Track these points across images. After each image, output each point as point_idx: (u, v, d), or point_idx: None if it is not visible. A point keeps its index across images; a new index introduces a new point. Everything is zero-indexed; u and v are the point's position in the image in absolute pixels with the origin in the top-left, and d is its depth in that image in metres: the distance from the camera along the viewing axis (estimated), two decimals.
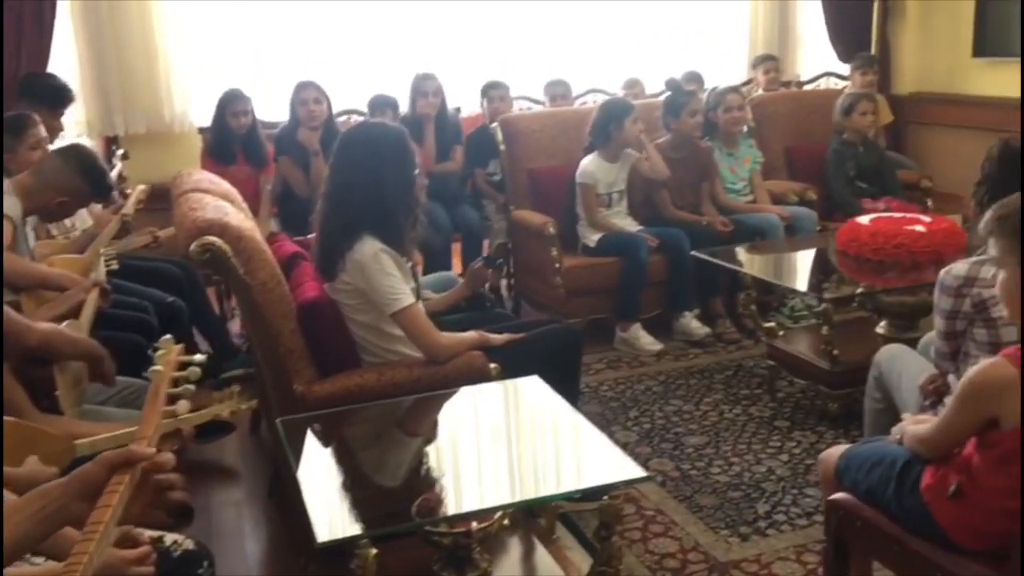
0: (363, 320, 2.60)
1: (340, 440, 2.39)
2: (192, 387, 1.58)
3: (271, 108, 5.28)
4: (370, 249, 2.52)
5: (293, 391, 2.44)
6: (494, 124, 4.80)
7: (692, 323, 4.25)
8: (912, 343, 3.35)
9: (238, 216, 2.62)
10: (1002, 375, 1.56)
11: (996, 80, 5.88)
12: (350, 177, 2.57)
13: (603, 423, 3.48)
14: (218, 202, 2.67)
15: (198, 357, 1.62)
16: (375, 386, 2.47)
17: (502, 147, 4.71)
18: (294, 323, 2.49)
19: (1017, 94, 5.54)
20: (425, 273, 4.67)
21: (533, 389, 2.39)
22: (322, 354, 2.54)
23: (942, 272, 2.25)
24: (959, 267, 2.21)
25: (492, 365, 2.59)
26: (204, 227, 2.36)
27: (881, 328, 3.52)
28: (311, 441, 2.31)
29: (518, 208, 4.63)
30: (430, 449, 2.34)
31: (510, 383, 2.45)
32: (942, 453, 1.75)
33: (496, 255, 4.98)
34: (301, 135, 4.52)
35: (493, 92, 5.22)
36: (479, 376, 2.52)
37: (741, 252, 4.02)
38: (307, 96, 4.55)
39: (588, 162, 4.35)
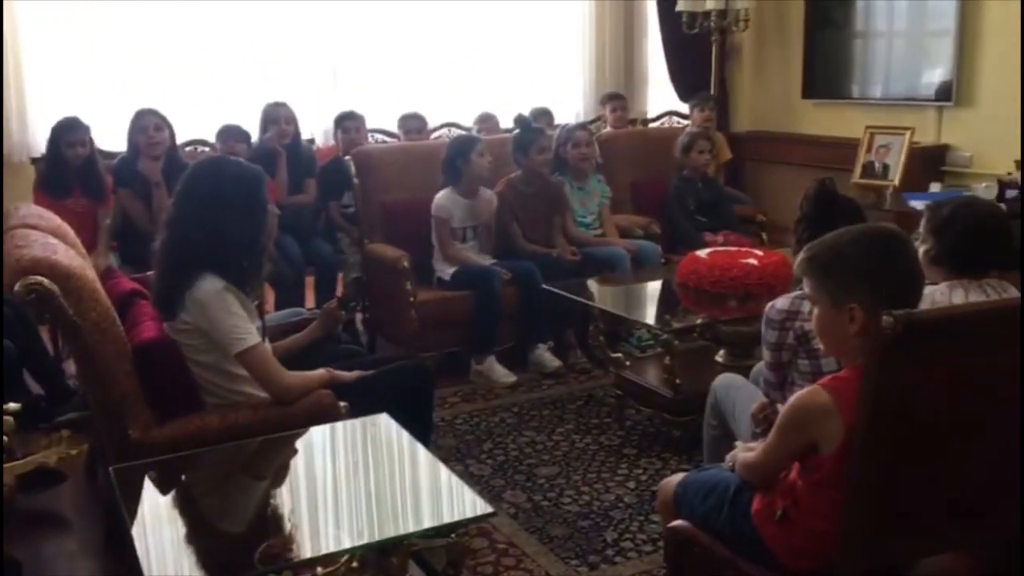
0: (205, 360, 2.52)
1: (180, 487, 2.30)
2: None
3: (112, 137, 5.08)
4: (212, 287, 2.46)
5: (129, 437, 2.34)
6: (348, 156, 4.77)
7: (545, 356, 4.33)
8: (748, 370, 3.54)
9: (68, 253, 2.50)
10: (818, 402, 1.67)
11: (824, 120, 6.30)
12: (194, 213, 2.50)
13: (458, 456, 3.50)
14: (47, 239, 2.54)
15: (11, 406, 1.54)
16: (218, 429, 2.40)
17: (356, 180, 4.68)
18: (129, 365, 2.39)
19: (843, 134, 5.98)
20: (277, 308, 4.60)
21: (383, 427, 2.38)
22: (160, 397, 2.45)
23: (767, 307, 2.38)
24: (781, 302, 2.35)
25: (341, 404, 2.56)
26: (29, 266, 2.24)
27: (720, 357, 3.69)
28: (149, 489, 2.22)
29: (372, 242, 4.61)
30: (277, 493, 2.28)
31: (359, 422, 2.43)
32: (769, 479, 1.86)
33: (350, 290, 4.92)
34: (141, 165, 4.35)
35: (348, 123, 5.19)
36: (328, 415, 2.49)
37: (591, 284, 4.14)
38: (147, 123, 4.39)
39: (442, 196, 4.39)
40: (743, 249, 3.76)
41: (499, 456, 3.50)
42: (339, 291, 5.01)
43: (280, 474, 2.36)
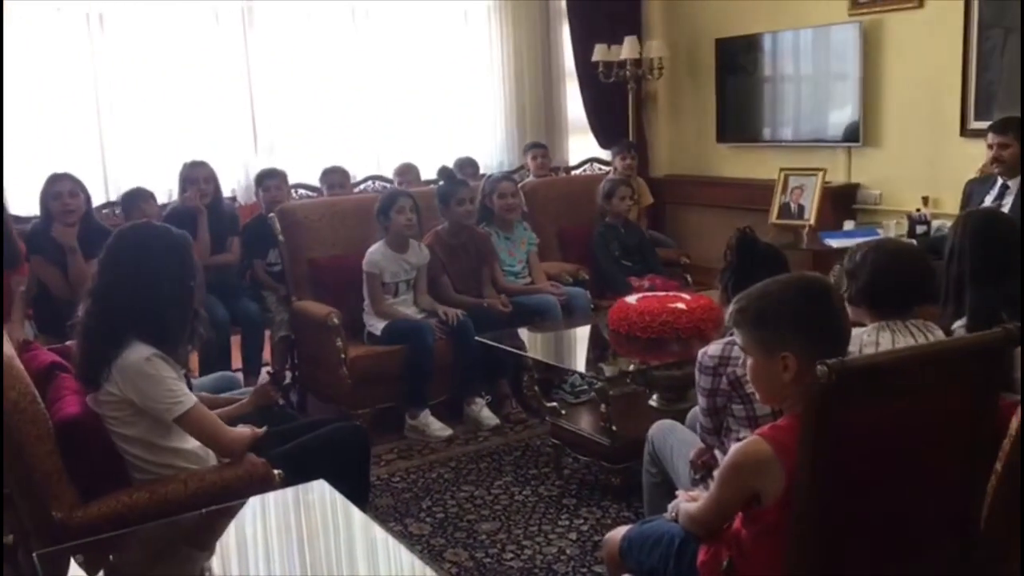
0: (131, 434, 2.44)
1: (109, 569, 2.20)
2: None
3: (22, 201, 4.94)
4: (140, 355, 2.38)
5: (53, 518, 2.24)
6: (272, 214, 4.72)
7: (483, 412, 4.31)
8: (682, 414, 3.57)
9: None
10: (758, 453, 1.69)
11: (738, 163, 6.51)
12: (120, 281, 2.43)
13: (397, 516, 3.44)
14: None
15: None
16: (147, 505, 2.31)
17: (280, 237, 4.62)
18: (51, 444, 2.29)
19: (757, 175, 6.17)
20: (202, 371, 4.48)
21: (319, 494, 2.32)
22: (85, 475, 2.35)
23: (699, 353, 2.42)
24: (714, 348, 2.39)
25: (276, 472, 2.50)
26: None
27: (653, 401, 3.72)
28: (76, 573, 2.11)
29: (300, 299, 4.55)
30: (210, 569, 2.20)
31: (295, 490, 2.37)
32: (712, 530, 1.87)
33: (282, 366, 4.84)
34: (56, 231, 4.21)
35: (269, 181, 5.13)
36: (262, 484, 2.42)
37: (523, 333, 4.15)
38: (61, 189, 4.25)
39: (374, 251, 4.36)
40: (671, 294, 3.82)
41: (438, 513, 3.46)
42: (267, 352, 4.92)
43: (212, 550, 2.28)
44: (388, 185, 5.83)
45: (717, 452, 2.43)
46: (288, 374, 4.88)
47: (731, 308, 1.84)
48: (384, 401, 4.29)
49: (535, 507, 3.47)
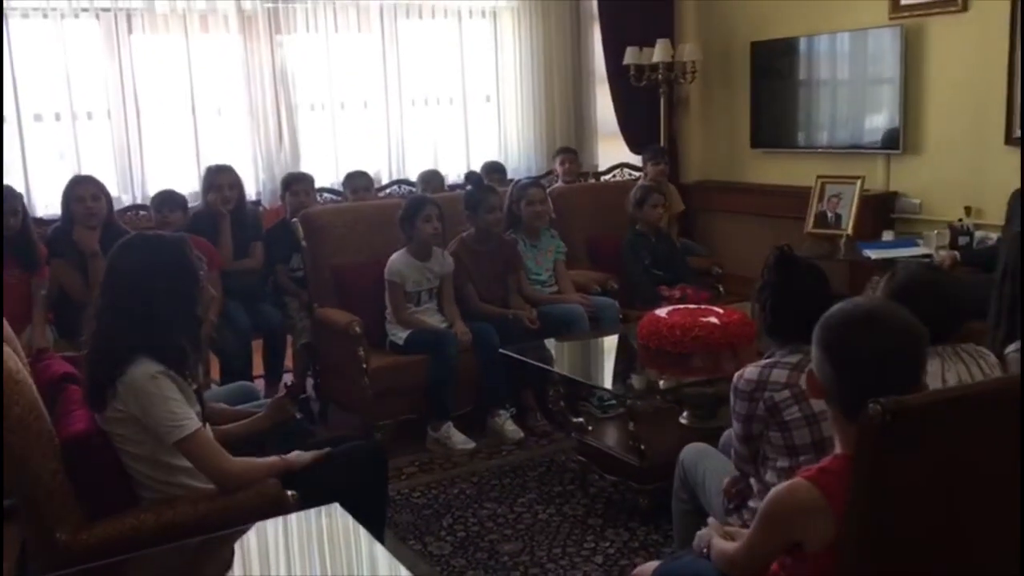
0: (139, 452, 2.35)
1: None
2: None
3: (45, 203, 4.90)
4: (146, 372, 2.29)
5: (57, 540, 2.15)
6: (295, 219, 4.64)
7: (507, 425, 4.19)
8: (713, 432, 3.44)
9: None
10: (802, 500, 1.56)
11: (771, 169, 6.34)
12: (120, 296, 2.34)
13: (416, 534, 3.34)
14: None
15: None
16: (154, 528, 2.22)
17: (303, 243, 4.54)
18: (57, 462, 2.21)
19: (792, 182, 6.00)
20: (223, 380, 4.41)
21: (333, 519, 2.22)
22: (91, 494, 2.26)
23: (735, 377, 2.29)
24: (750, 372, 2.26)
25: (289, 493, 2.40)
26: None
27: (684, 418, 3.59)
28: None
29: (322, 306, 4.46)
30: None
31: (308, 514, 2.26)
32: (750, 574, 1.74)
33: (300, 381, 4.75)
34: (77, 235, 4.15)
35: (297, 186, 5.07)
36: (275, 507, 2.32)
37: (549, 345, 4.03)
38: (83, 192, 4.20)
39: (396, 259, 4.26)
40: (703, 307, 3.68)
41: (459, 532, 3.35)
42: (289, 360, 4.84)
43: None
44: (412, 190, 5.74)
45: (753, 481, 2.30)
46: (310, 382, 4.80)
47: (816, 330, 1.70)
48: (406, 412, 4.18)
49: (559, 527, 3.35)
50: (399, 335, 4.25)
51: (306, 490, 2.43)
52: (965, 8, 5.13)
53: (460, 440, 4.11)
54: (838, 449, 1.62)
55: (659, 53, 6.28)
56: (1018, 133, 4.91)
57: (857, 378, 1.57)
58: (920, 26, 5.36)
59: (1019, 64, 4.86)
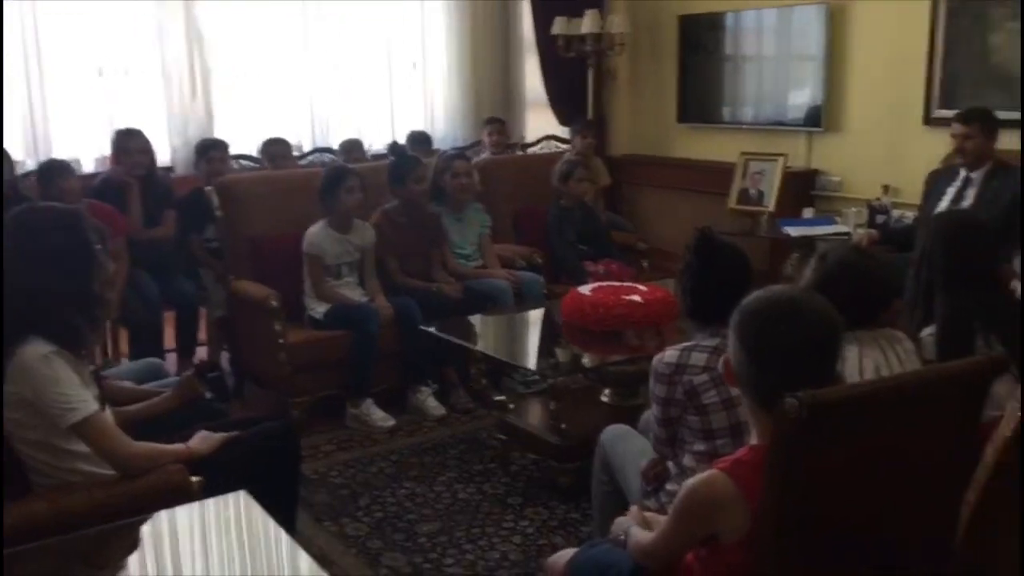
0: (33, 437, 2.21)
1: None
2: None
3: None
4: (37, 352, 2.16)
5: None
6: (210, 187, 4.46)
7: (428, 401, 4.13)
8: (635, 410, 3.44)
9: None
10: (717, 492, 1.53)
11: (697, 144, 6.36)
12: (9, 272, 2.19)
13: (333, 515, 3.26)
14: None
15: None
16: (47, 517, 2.10)
17: (219, 212, 4.38)
18: None
19: (717, 158, 6.03)
20: (132, 353, 4.25)
21: (239, 507, 2.12)
22: None
23: (655, 359, 2.26)
24: (670, 354, 2.23)
25: (194, 479, 2.30)
26: None
27: (605, 396, 3.58)
28: None
29: (238, 278, 4.31)
30: None
31: (213, 503, 2.16)
32: (664, 565, 1.72)
33: (216, 329, 4.62)
34: None
35: (212, 153, 4.88)
36: (178, 494, 2.22)
37: (472, 322, 3.97)
38: None
39: (315, 231, 4.14)
40: (626, 285, 3.66)
41: (377, 512, 3.28)
42: (203, 333, 4.69)
43: (116, 572, 2.07)
44: (334, 158, 5.59)
45: (670, 464, 2.29)
46: (225, 356, 4.65)
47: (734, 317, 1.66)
48: (325, 389, 4.08)
49: (479, 506, 3.31)
50: (318, 309, 4.13)
51: (214, 475, 2.33)
52: None
53: (380, 417, 4.03)
54: (753, 439, 1.60)
55: (588, 24, 6.21)
56: (936, 114, 4.99)
57: (772, 369, 1.54)
58: (844, 5, 5.40)
59: (940, 45, 4.94)
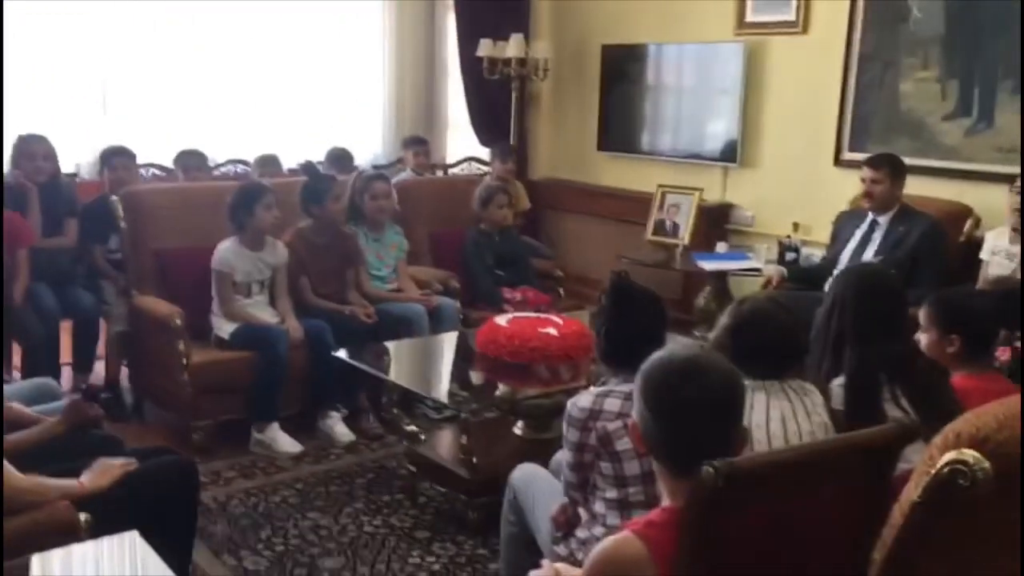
0: None
1: None
2: None
3: None
4: None
5: None
6: (114, 197, 4.29)
7: (338, 427, 4.03)
8: (548, 443, 3.42)
9: None
10: (628, 554, 1.51)
11: (616, 173, 6.41)
12: None
13: (231, 548, 3.14)
14: None
15: None
16: None
17: (123, 223, 4.21)
18: None
19: (636, 187, 6.09)
20: (27, 370, 4.04)
21: (129, 551, 2.01)
22: None
23: (568, 404, 2.24)
24: (584, 400, 2.21)
25: (82, 516, 2.18)
26: None
27: (518, 429, 3.54)
28: None
29: (142, 293, 4.15)
30: None
31: (102, 544, 2.04)
32: None
33: (116, 344, 4.42)
34: None
35: (117, 160, 4.68)
36: (63, 534, 2.09)
37: (386, 349, 3.89)
38: None
39: (225, 248, 4.01)
40: (542, 316, 3.64)
41: (278, 545, 3.17)
42: (101, 348, 4.50)
43: None
44: (248, 170, 5.45)
45: (581, 510, 2.26)
46: (124, 372, 4.46)
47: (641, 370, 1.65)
48: (229, 412, 3.94)
49: (385, 540, 3.23)
50: (225, 329, 4.00)
51: (104, 512, 2.21)
52: (805, 31, 5.31)
53: (286, 443, 3.91)
54: (665, 501, 1.59)
55: (513, 48, 6.22)
56: (846, 155, 5.14)
57: (680, 432, 1.55)
58: (762, 44, 5.52)
59: (852, 88, 5.09)
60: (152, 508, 2.28)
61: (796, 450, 1.73)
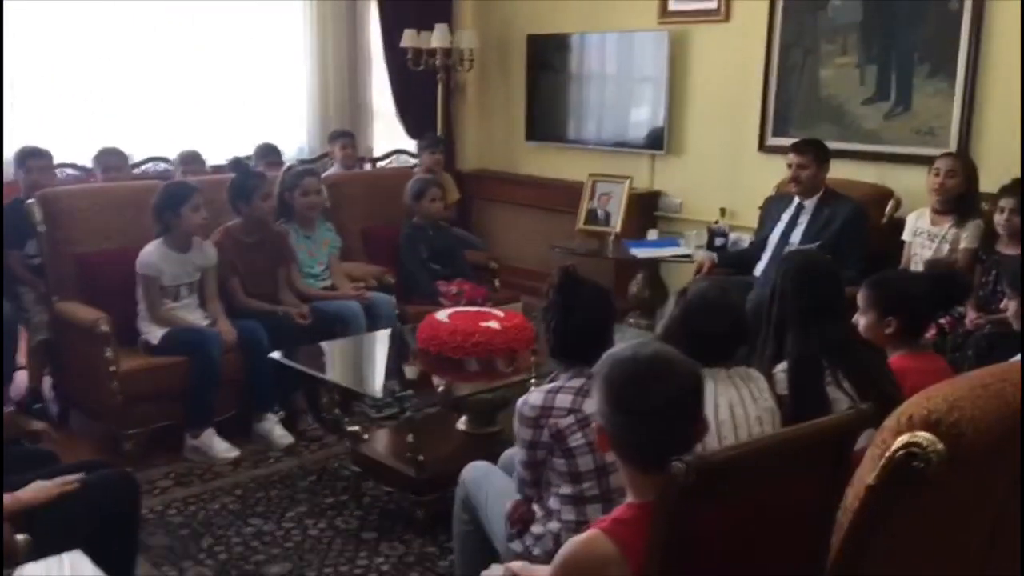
0: None
1: None
2: None
3: None
4: None
5: None
6: (31, 200, 4.11)
7: (275, 430, 3.94)
8: (493, 437, 3.42)
9: None
10: (597, 552, 1.52)
11: (545, 162, 6.43)
12: None
13: (172, 559, 3.05)
14: None
15: None
16: None
17: (41, 227, 4.03)
18: None
19: (565, 176, 6.12)
20: None
21: (72, 570, 1.94)
22: None
23: (519, 402, 2.23)
24: (535, 397, 2.21)
25: (20, 537, 2.08)
26: None
27: (462, 424, 3.52)
28: None
29: (63, 299, 3.99)
30: None
31: (43, 565, 1.96)
32: None
33: (38, 354, 4.25)
34: None
35: (33, 161, 4.48)
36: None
37: (322, 348, 3.82)
38: None
39: (150, 250, 3.88)
40: (483, 311, 3.63)
41: (221, 554, 3.09)
42: (22, 355, 4.32)
43: None
44: (169, 168, 5.29)
45: (536, 507, 2.26)
46: (48, 382, 4.30)
47: (597, 368, 1.64)
48: (161, 419, 3.83)
49: (331, 543, 3.18)
50: (154, 334, 3.88)
51: (42, 532, 2.12)
52: (727, 19, 5.40)
53: (223, 448, 3.82)
54: (630, 498, 1.59)
55: (437, 38, 6.17)
56: (770, 141, 5.25)
57: (653, 429, 1.55)
58: (686, 32, 5.59)
59: (774, 75, 5.19)
60: (94, 525, 2.20)
61: (763, 440, 1.76)
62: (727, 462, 1.41)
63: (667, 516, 1.35)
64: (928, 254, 4.10)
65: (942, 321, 3.74)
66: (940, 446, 1.45)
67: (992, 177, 4.07)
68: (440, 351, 3.40)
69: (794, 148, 4.47)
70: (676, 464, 1.33)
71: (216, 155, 5.42)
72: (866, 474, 1.56)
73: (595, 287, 2.33)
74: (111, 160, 4.83)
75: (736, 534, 1.45)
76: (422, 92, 6.43)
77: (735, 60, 5.37)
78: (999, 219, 3.84)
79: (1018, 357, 2.33)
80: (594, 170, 5.70)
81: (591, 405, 2.08)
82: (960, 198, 4.07)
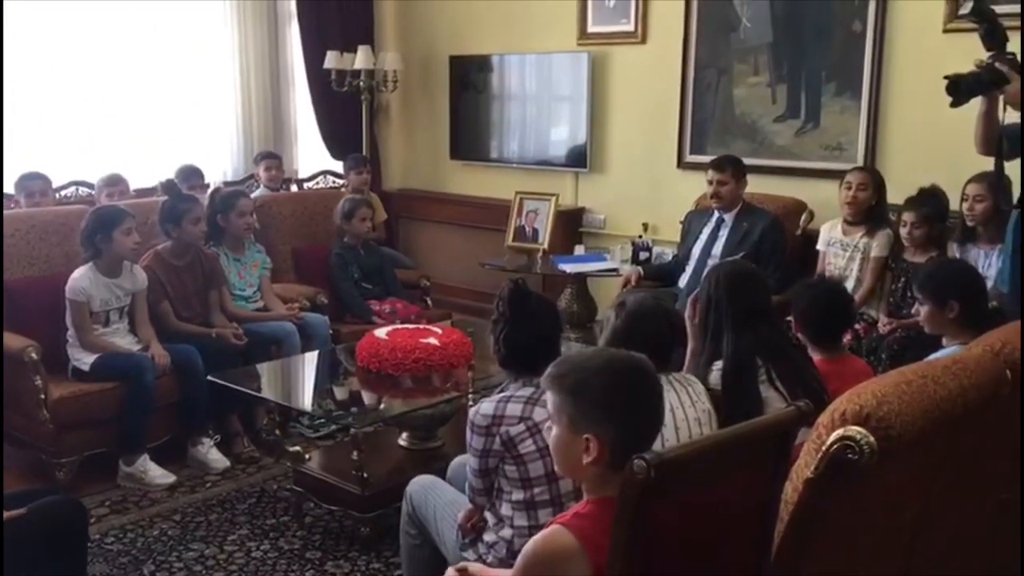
0: None
1: None
2: None
3: None
4: None
5: None
6: None
7: (211, 454, 3.91)
8: (433, 452, 3.47)
9: None
10: (560, 546, 1.59)
11: (470, 181, 6.52)
12: None
13: None
14: None
15: None
16: None
17: None
18: None
19: (491, 194, 6.22)
20: None
21: None
22: None
23: (471, 411, 2.30)
24: (486, 406, 2.28)
25: None
26: None
27: (403, 440, 3.56)
28: None
29: None
30: None
31: None
32: None
33: None
34: None
35: None
36: None
37: (258, 370, 3.82)
38: None
39: (79, 276, 3.82)
40: (421, 327, 3.68)
41: None
42: None
43: None
44: (92, 192, 5.19)
45: (488, 514, 2.33)
46: None
47: (548, 371, 1.72)
48: (94, 446, 3.77)
49: (276, 564, 3.18)
50: (84, 360, 3.81)
51: None
52: (644, 40, 5.59)
53: (158, 474, 3.77)
54: (588, 495, 1.67)
55: (360, 60, 6.21)
56: (688, 158, 5.44)
57: (640, 431, 1.64)
58: (605, 53, 5.76)
59: (690, 94, 5.40)
60: (42, 552, 2.18)
61: (715, 437, 1.87)
62: (684, 458, 1.51)
63: (630, 511, 1.43)
64: (842, 263, 4.32)
65: (856, 327, 3.95)
66: (872, 439, 1.56)
67: (897, 188, 4.33)
68: (380, 368, 3.44)
69: (713, 165, 4.66)
70: (638, 461, 1.42)
71: (139, 178, 5.34)
72: (804, 468, 1.67)
73: (543, 300, 2.42)
74: (35, 185, 4.72)
75: (691, 528, 1.55)
76: (346, 113, 6.46)
77: (653, 80, 5.56)
78: (904, 232, 4.09)
79: (931, 356, 2.51)
80: (519, 188, 5.81)
81: (541, 413, 2.17)
82: (870, 210, 4.30)
